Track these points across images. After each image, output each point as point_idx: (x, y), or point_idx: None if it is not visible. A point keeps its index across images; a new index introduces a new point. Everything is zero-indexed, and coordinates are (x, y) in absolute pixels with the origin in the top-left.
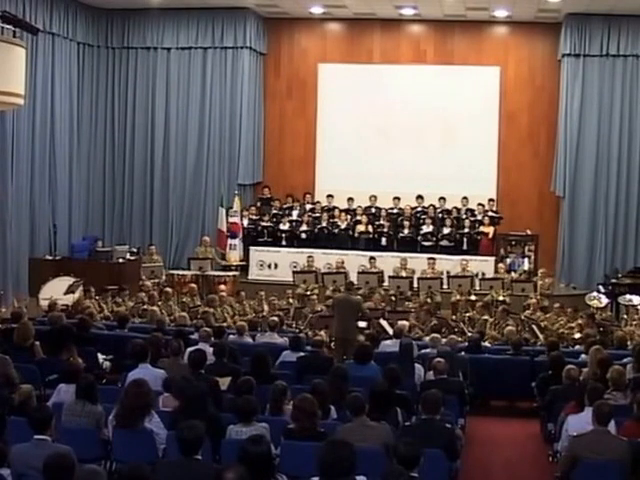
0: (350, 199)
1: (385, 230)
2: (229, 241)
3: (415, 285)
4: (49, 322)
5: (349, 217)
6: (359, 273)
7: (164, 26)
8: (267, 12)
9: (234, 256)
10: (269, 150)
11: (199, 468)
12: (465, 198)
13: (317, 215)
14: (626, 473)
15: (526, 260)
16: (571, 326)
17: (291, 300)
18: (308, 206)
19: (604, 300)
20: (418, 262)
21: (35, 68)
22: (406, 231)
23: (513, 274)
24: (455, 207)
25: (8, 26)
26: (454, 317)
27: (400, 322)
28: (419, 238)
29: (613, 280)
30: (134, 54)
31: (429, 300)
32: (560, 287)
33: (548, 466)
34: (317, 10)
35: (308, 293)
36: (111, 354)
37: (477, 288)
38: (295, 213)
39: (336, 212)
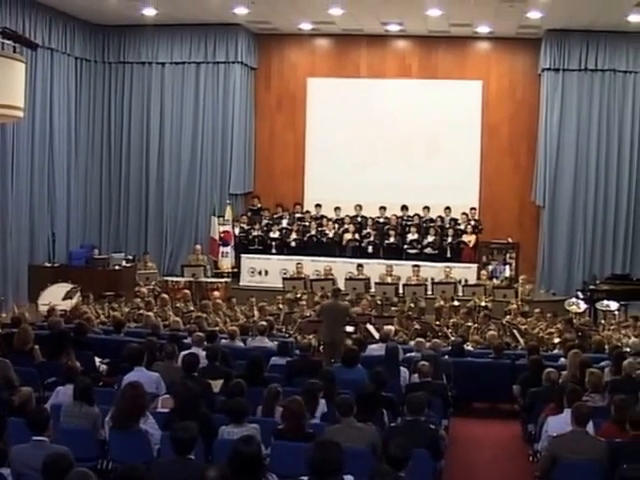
0: (337, 208)
1: (372, 238)
2: (221, 249)
3: (400, 291)
4: (48, 327)
5: (337, 226)
6: (346, 280)
7: (159, 42)
8: (258, 28)
9: (226, 263)
10: (260, 161)
11: (192, 467)
12: (448, 208)
13: (306, 224)
14: (604, 472)
15: (507, 267)
16: (550, 331)
17: (281, 306)
18: (297, 215)
19: (583, 306)
20: (403, 269)
21: (34, 82)
22: (392, 239)
23: (495, 281)
24: (439, 216)
25: (8, 42)
26: (438, 322)
27: (386, 327)
28: (404, 246)
29: (591, 286)
30: (130, 68)
31: (412, 306)
32: (540, 293)
33: (528, 466)
34: (306, 26)
35: (298, 295)
36: (107, 358)
37: (460, 294)
38: (285, 222)
39: (324, 221)
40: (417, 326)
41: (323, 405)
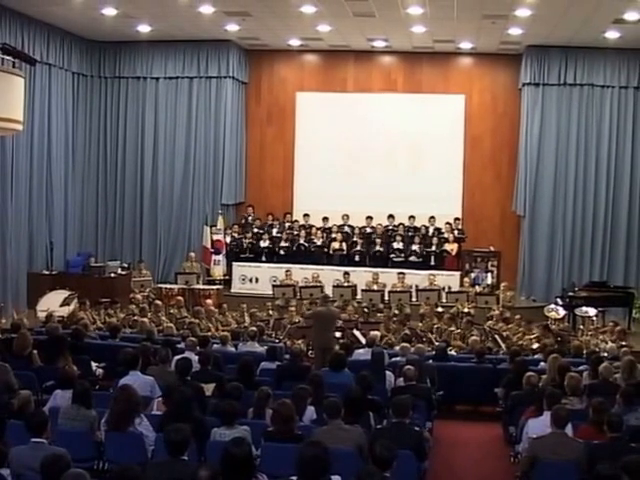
0: (325, 218)
1: (358, 247)
2: (213, 257)
3: (386, 298)
4: (46, 332)
5: (325, 235)
6: (334, 287)
7: (153, 57)
8: (248, 44)
9: (218, 271)
10: (250, 172)
11: (185, 468)
12: (432, 217)
13: (295, 233)
14: (581, 473)
15: (489, 275)
16: (529, 337)
17: (271, 312)
18: (287, 224)
19: (562, 312)
20: (389, 276)
21: (33, 96)
22: (378, 248)
23: (477, 288)
24: (424, 225)
25: (8, 57)
26: (421, 325)
27: (372, 332)
28: (390, 254)
29: (570, 293)
30: (125, 83)
31: (397, 312)
32: (521, 300)
33: (510, 466)
34: (295, 42)
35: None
36: (104, 362)
37: (444, 301)
38: (275, 231)
39: (312, 230)
40: (407, 331)
41: (312, 412)
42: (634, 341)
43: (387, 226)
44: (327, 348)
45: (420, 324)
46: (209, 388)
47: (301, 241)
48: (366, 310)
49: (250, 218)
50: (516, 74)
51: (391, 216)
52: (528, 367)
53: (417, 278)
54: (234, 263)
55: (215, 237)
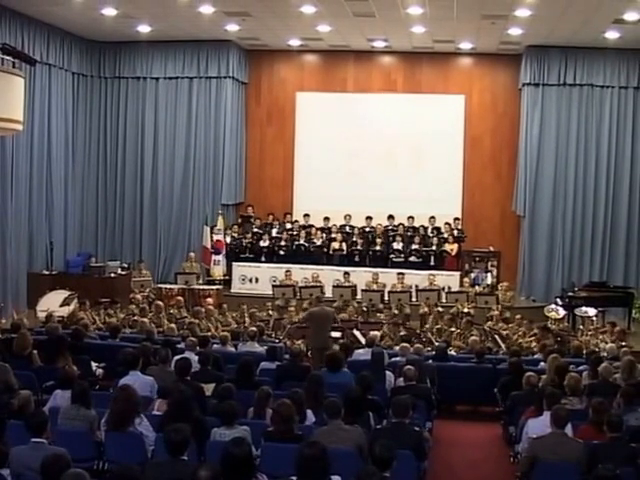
0: (326, 218)
1: (358, 247)
2: (213, 257)
3: (386, 298)
4: (46, 332)
5: (324, 235)
6: (334, 287)
7: (153, 57)
8: (248, 44)
9: (218, 271)
10: (250, 172)
11: (185, 468)
12: (432, 217)
13: (295, 233)
14: (582, 473)
15: (489, 275)
16: (529, 338)
17: (271, 312)
18: (287, 224)
19: (561, 312)
20: (389, 277)
21: (33, 96)
22: (378, 248)
23: (477, 288)
24: (422, 225)
25: (8, 57)
26: (422, 328)
27: (372, 332)
28: (390, 255)
29: (570, 293)
30: (125, 83)
31: (396, 312)
32: (521, 300)
33: (509, 466)
34: (295, 42)
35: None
36: (104, 362)
37: (444, 301)
38: (275, 231)
39: (312, 230)
40: (403, 332)
41: (311, 416)
42: (634, 341)
43: (387, 226)
44: (324, 348)
45: (424, 327)
46: (209, 388)
47: (301, 241)
48: (366, 310)
49: (251, 219)
50: (516, 74)
51: (391, 216)
52: (524, 368)
53: (417, 278)
54: (234, 263)
55: (215, 237)
